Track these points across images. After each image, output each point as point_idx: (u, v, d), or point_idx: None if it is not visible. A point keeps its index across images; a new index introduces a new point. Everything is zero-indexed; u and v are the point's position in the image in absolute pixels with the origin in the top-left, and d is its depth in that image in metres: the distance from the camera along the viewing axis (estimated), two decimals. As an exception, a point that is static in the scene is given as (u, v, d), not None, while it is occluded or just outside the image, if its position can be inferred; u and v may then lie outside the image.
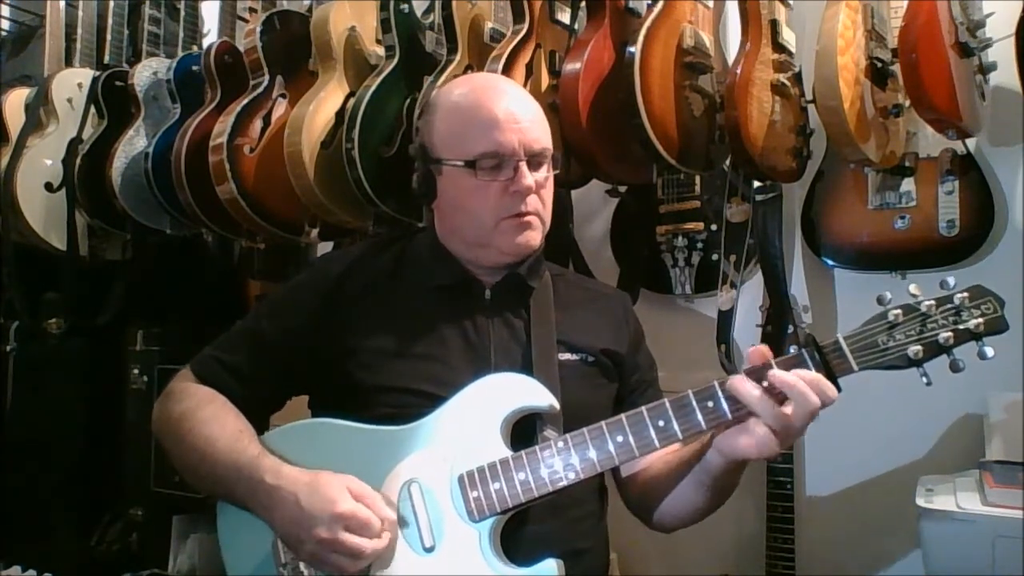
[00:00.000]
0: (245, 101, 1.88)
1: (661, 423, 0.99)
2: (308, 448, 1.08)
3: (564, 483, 1.00)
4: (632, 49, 1.49)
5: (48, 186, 2.27)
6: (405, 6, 1.75)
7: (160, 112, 2.18)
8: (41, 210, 2.25)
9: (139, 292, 2.34)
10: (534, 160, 1.13)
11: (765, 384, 0.95)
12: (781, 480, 1.81)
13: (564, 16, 1.71)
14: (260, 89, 1.89)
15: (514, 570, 1.00)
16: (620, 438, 1.00)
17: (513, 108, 1.12)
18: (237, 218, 1.86)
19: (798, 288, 1.95)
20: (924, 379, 0.96)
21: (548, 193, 1.17)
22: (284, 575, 1.04)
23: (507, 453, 1.02)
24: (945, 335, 0.94)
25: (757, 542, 1.85)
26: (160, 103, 2.18)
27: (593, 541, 1.16)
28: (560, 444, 1.01)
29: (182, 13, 2.44)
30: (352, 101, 1.70)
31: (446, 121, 1.16)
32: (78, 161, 2.22)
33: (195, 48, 2.38)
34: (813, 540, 1.86)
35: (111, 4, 2.46)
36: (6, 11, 3.00)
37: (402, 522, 1.02)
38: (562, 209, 1.86)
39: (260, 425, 1.16)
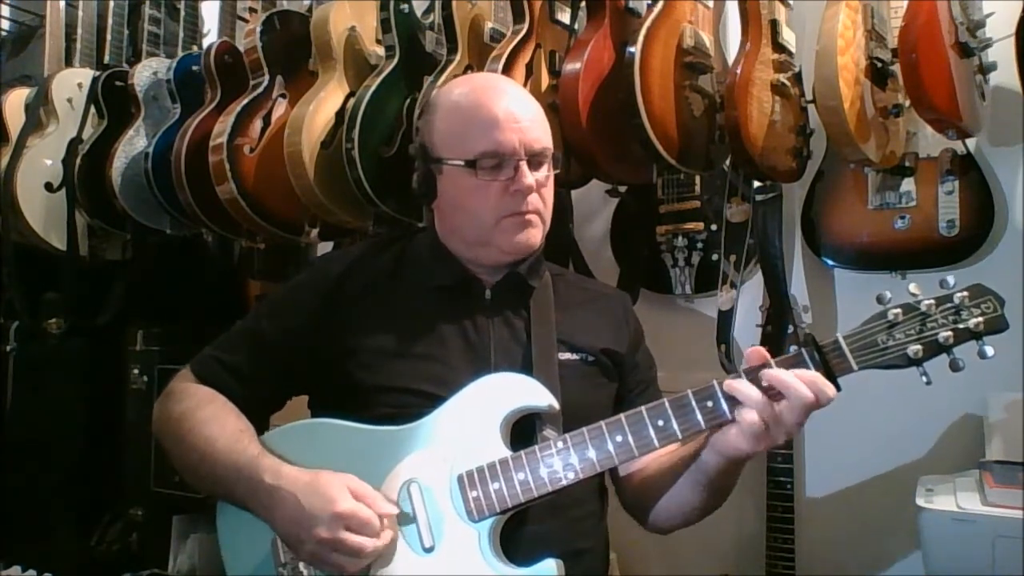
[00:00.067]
0: (245, 101, 1.88)
1: (660, 423, 0.99)
2: (308, 448, 1.08)
3: (563, 483, 1.00)
4: (632, 49, 1.49)
5: (48, 186, 2.27)
6: (405, 6, 1.75)
7: (160, 112, 2.18)
8: (41, 210, 2.26)
9: (139, 292, 2.34)
10: (534, 159, 1.13)
11: (764, 384, 0.95)
12: (781, 480, 1.81)
13: (564, 16, 1.71)
14: (260, 89, 1.89)
15: (514, 570, 1.00)
16: (619, 438, 1.00)
17: (513, 108, 1.12)
18: (237, 218, 1.86)
19: (798, 288, 1.95)
20: (924, 378, 0.96)
21: (548, 192, 1.17)
22: (284, 575, 1.04)
23: (507, 453, 1.02)
24: (945, 334, 0.94)
25: (757, 542, 1.85)
26: (160, 103, 2.18)
27: (593, 541, 1.16)
28: (559, 444, 1.01)
29: (182, 13, 2.44)
30: (352, 101, 1.70)
31: (446, 121, 1.16)
32: (78, 161, 2.22)
33: (195, 48, 2.38)
34: (813, 540, 1.86)
35: (111, 4, 2.46)
36: (6, 11, 3.00)
37: (402, 522, 1.02)
38: (562, 209, 1.86)
39: (260, 425, 1.16)
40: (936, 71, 1.50)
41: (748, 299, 1.89)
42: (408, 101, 1.71)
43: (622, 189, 1.97)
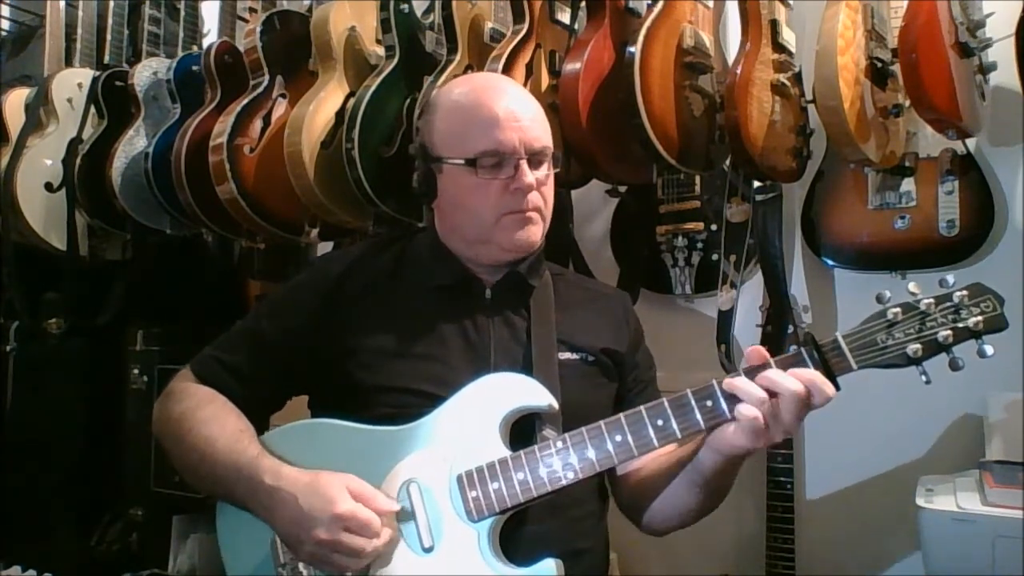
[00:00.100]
0: (245, 101, 1.88)
1: (660, 422, 0.99)
2: (308, 448, 1.08)
3: (563, 483, 1.00)
4: (632, 49, 1.49)
5: (48, 186, 2.27)
6: (405, 6, 1.75)
7: (160, 112, 2.18)
8: (41, 210, 2.25)
9: (139, 292, 2.34)
10: (535, 158, 1.13)
11: (763, 383, 0.95)
12: (781, 480, 1.81)
13: (564, 16, 1.71)
14: (260, 89, 1.89)
15: (513, 570, 1.00)
16: (619, 438, 1.00)
17: (513, 107, 1.12)
18: (237, 218, 1.86)
19: (798, 288, 1.95)
20: (923, 378, 0.96)
21: (549, 191, 1.17)
22: (283, 575, 1.04)
23: (506, 453, 1.02)
24: (944, 333, 0.94)
25: (757, 542, 1.85)
26: (160, 103, 2.18)
27: (593, 541, 1.16)
28: (559, 444, 1.01)
29: (182, 13, 2.44)
30: (352, 101, 1.70)
31: (446, 120, 1.16)
32: (78, 161, 2.22)
33: (195, 48, 2.38)
34: (813, 540, 1.86)
35: (111, 4, 2.46)
36: (6, 11, 3.00)
37: (401, 522, 1.02)
38: (562, 209, 1.86)
39: (260, 425, 1.16)
40: (936, 71, 1.50)
41: (748, 299, 1.89)
42: (408, 101, 1.71)
43: (622, 189, 1.97)
